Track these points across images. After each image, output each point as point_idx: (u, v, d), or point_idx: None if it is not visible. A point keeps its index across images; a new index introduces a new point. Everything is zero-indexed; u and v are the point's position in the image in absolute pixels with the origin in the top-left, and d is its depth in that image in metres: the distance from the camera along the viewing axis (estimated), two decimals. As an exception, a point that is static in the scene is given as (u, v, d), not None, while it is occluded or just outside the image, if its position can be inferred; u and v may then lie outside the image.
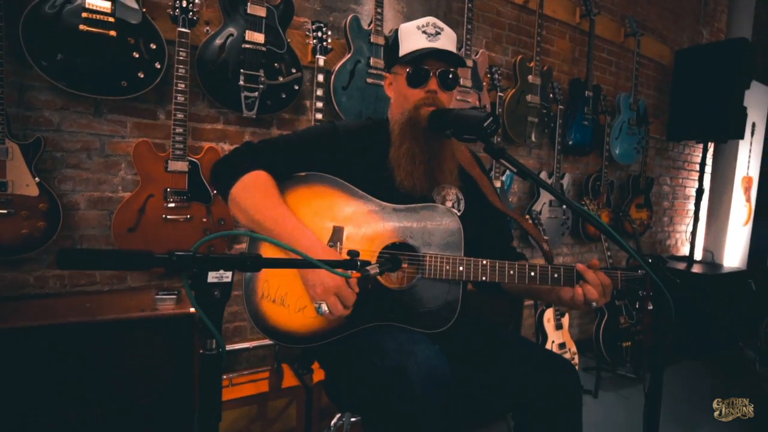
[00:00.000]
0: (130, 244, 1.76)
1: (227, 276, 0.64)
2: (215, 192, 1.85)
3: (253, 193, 1.14)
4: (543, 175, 2.88)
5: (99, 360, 1.46)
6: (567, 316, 2.71)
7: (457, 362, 1.13)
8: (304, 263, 0.75)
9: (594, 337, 2.88)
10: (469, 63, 2.46)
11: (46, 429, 1.38)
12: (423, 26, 1.25)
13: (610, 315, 2.86)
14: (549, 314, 2.60)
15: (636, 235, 3.44)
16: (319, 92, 2.05)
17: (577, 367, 2.47)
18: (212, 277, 0.62)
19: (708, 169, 4.29)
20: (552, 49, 3.00)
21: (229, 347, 2.05)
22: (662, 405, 1.00)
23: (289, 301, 1.16)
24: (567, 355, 2.64)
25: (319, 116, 2.06)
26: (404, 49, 1.26)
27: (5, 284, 1.68)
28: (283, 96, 2.00)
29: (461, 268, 1.18)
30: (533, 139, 2.77)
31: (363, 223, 1.22)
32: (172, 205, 1.80)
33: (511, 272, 1.20)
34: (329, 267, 0.73)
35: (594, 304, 1.18)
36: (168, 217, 1.80)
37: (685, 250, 4.35)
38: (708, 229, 4.31)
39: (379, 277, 1.19)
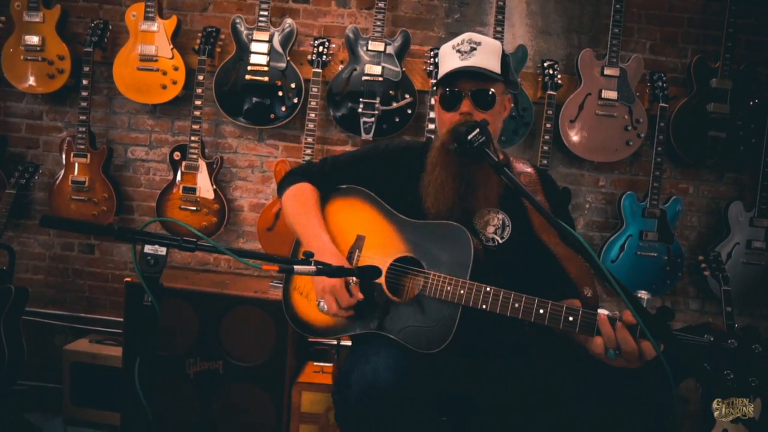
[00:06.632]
0: (268, 240, 2.25)
1: (162, 250, 0.88)
2: None
3: (293, 201, 1.37)
4: (735, 208, 2.20)
5: (226, 324, 1.93)
6: (759, 401, 1.98)
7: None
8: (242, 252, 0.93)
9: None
10: (614, 72, 2.13)
11: (182, 370, 1.92)
12: (458, 45, 1.23)
13: None
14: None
15: None
16: (432, 114, 2.16)
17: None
18: (149, 248, 0.87)
19: None
20: None
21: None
22: None
23: (312, 296, 1.33)
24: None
25: (431, 137, 2.16)
26: (440, 71, 1.28)
27: (196, 260, 2.39)
28: (397, 120, 2.19)
29: (462, 292, 1.12)
30: (745, 154, 2.14)
31: (382, 235, 1.29)
32: (299, 211, 2.20)
33: (516, 305, 1.07)
34: (237, 256, 0.89)
35: (610, 357, 0.96)
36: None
37: None
38: None
39: (385, 288, 1.23)
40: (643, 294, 2.03)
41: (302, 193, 1.37)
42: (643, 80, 2.19)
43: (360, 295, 1.18)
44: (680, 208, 2.20)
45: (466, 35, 1.24)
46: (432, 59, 2.17)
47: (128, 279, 1.97)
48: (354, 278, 1.19)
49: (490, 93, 1.21)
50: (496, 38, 2.15)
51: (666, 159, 2.19)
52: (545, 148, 2.16)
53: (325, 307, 1.20)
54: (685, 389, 2.40)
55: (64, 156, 2.20)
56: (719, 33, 2.17)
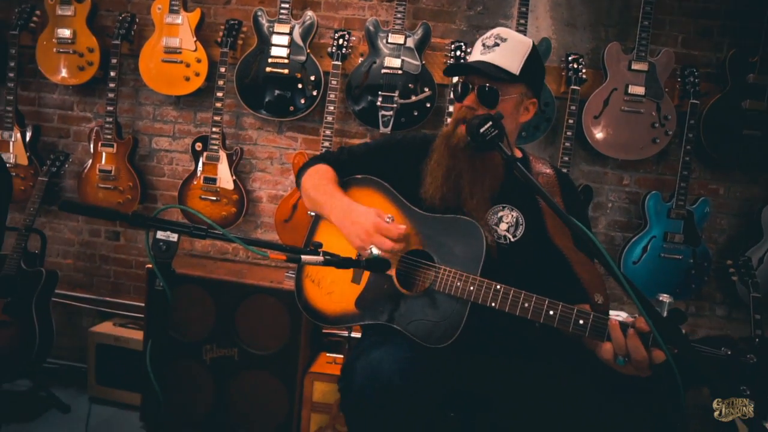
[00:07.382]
0: (285, 231, 2.27)
1: (173, 237, 0.90)
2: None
3: (313, 177, 1.37)
4: (769, 211, 2.09)
5: (241, 312, 1.97)
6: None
7: None
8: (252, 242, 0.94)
9: None
10: (642, 66, 2.05)
11: (200, 356, 1.97)
12: (486, 38, 1.23)
13: None
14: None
15: None
16: (451, 108, 2.13)
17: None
18: (161, 234, 0.89)
19: None
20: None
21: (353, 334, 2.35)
22: None
23: (324, 284, 1.34)
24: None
25: (450, 131, 2.14)
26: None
27: (216, 249, 2.44)
28: (416, 113, 2.18)
29: (471, 288, 1.11)
30: None
31: None
32: (316, 204, 2.22)
33: (526, 305, 1.06)
34: (244, 243, 0.90)
35: (619, 363, 0.94)
36: (312, 213, 2.23)
37: None
38: None
39: (395, 280, 1.23)
40: (665, 298, 1.96)
41: (322, 171, 1.37)
42: (673, 75, 2.10)
43: (403, 227, 1.15)
44: (708, 210, 2.11)
45: (497, 30, 1.23)
46: (453, 52, 2.13)
47: (150, 265, 2.03)
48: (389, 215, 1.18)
49: (495, 91, 1.18)
50: (518, 31, 2.10)
51: (695, 158, 2.10)
52: (567, 144, 2.10)
53: (378, 250, 1.12)
54: (708, 398, 2.32)
55: (92, 145, 2.28)
56: (758, 26, 2.06)
